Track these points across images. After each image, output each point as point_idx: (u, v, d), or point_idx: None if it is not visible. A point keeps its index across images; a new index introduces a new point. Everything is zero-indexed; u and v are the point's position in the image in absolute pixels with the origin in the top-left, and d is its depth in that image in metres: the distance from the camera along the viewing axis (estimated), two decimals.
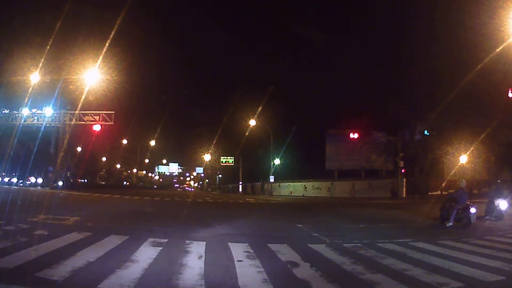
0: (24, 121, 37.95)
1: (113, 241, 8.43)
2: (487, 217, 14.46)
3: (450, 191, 15.92)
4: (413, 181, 33.65)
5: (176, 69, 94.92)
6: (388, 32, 37.02)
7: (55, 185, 36.20)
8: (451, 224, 12.81)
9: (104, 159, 75.38)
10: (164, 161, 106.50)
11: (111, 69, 31.60)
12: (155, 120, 74.51)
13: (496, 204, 14.63)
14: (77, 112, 38.48)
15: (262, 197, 40.72)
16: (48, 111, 38.65)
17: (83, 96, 32.60)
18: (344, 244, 9.11)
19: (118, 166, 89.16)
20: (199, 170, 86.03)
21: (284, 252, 7.97)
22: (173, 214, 17.33)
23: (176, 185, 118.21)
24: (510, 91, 23.76)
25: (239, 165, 61.36)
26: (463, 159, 30.81)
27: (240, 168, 60.92)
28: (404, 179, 34.26)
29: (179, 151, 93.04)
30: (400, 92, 31.29)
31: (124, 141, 65.71)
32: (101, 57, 27.80)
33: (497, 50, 19.52)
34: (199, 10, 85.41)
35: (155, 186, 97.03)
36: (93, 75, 30.97)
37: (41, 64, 28.90)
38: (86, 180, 62.67)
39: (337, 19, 68.98)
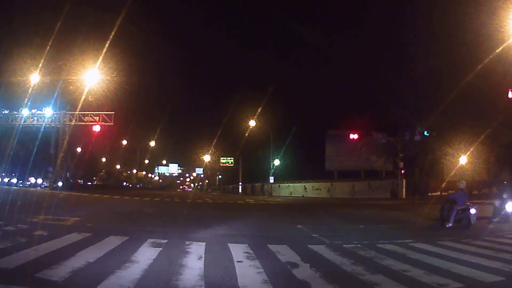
0: (24, 122, 37.88)
1: (112, 241, 8.43)
2: (495, 219, 14.05)
3: (450, 192, 15.89)
4: (413, 182, 33.62)
5: (175, 69, 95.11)
6: (388, 32, 36.92)
7: (54, 185, 36.19)
8: (451, 225, 12.81)
9: (104, 159, 75.33)
10: (164, 162, 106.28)
11: (111, 70, 31.62)
12: (155, 120, 74.28)
13: (497, 205, 14.52)
14: (77, 112, 38.46)
15: (261, 198, 40.70)
16: (48, 112, 38.62)
17: (83, 97, 32.61)
18: (344, 245, 9.11)
19: (118, 166, 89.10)
20: (199, 170, 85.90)
21: (284, 252, 7.97)
22: (173, 214, 17.32)
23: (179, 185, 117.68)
24: (510, 91, 23.75)
25: (239, 166, 61.35)
26: (463, 159, 30.77)
27: (240, 169, 60.90)
28: (404, 180, 34.25)
29: (179, 151, 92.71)
30: (400, 92, 31.19)
31: (124, 142, 65.61)
32: (101, 58, 27.82)
33: (497, 50, 19.53)
34: (199, 11, 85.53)
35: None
36: (93, 75, 30.96)
37: (41, 64, 28.91)
38: (82, 181, 62.03)
39: (337, 19, 69.04)
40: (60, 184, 36.55)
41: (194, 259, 7.14)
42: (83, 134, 45.25)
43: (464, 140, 30.14)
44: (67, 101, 37.98)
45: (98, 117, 39.51)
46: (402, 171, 33.73)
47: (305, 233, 11.57)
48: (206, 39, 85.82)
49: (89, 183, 62.19)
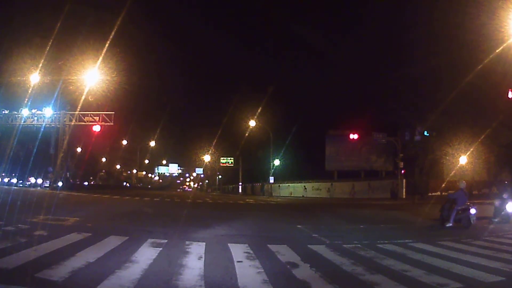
0: (24, 122, 37.87)
1: (112, 241, 8.43)
2: (495, 219, 14.00)
3: (450, 192, 15.87)
4: (413, 182, 33.62)
5: (176, 69, 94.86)
6: (387, 32, 36.89)
7: (54, 185, 36.19)
8: (450, 225, 12.81)
9: (104, 159, 75.27)
10: (164, 162, 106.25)
11: (111, 70, 31.64)
12: (155, 120, 74.20)
13: (497, 205, 14.49)
14: (77, 112, 38.45)
15: (261, 198, 40.70)
16: (48, 112, 38.61)
17: (83, 97, 32.62)
18: (343, 245, 9.11)
19: (118, 166, 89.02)
20: (199, 170, 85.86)
21: (284, 253, 7.97)
22: (173, 214, 17.31)
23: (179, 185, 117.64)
24: (510, 91, 23.74)
25: (239, 166, 61.38)
26: (463, 159, 30.76)
27: (240, 169, 60.92)
28: (404, 180, 34.24)
29: (179, 151, 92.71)
30: (400, 92, 31.20)
31: (124, 142, 65.61)
32: (101, 58, 27.85)
33: (497, 50, 19.51)
34: (199, 11, 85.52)
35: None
36: (93, 75, 30.97)
37: (41, 64, 28.95)
38: (78, 181, 61.21)
39: (337, 19, 68.98)
40: (60, 184, 36.53)
41: (194, 259, 7.14)
42: (83, 134, 45.30)
43: (464, 140, 30.11)
44: (67, 101, 38.01)
45: (98, 117, 39.49)
46: (402, 171, 33.72)
47: (305, 233, 11.57)
48: (206, 40, 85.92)
49: (85, 183, 61.56)
